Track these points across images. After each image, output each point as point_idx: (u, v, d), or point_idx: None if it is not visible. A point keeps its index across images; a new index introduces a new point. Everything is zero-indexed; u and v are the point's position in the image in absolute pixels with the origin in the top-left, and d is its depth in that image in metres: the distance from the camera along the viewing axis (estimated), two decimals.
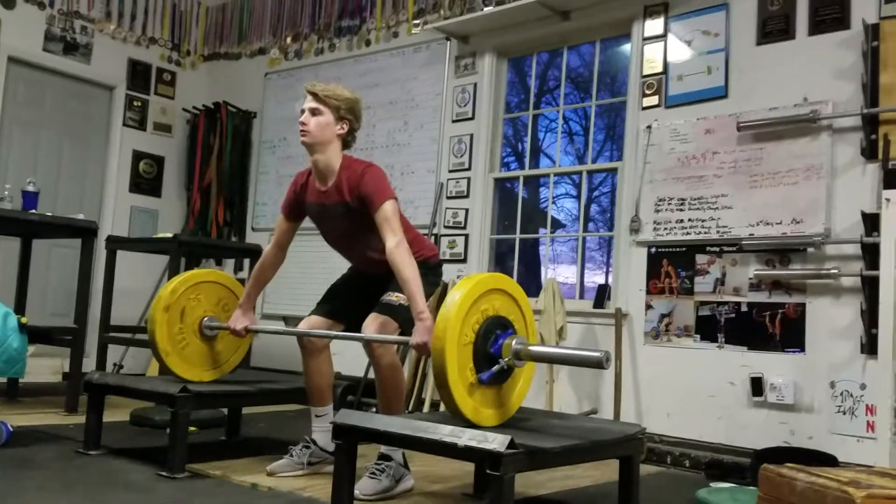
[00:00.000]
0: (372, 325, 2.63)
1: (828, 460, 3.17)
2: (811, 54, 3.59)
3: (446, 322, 2.10)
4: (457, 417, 2.18)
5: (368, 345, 2.63)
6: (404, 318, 2.62)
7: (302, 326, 2.83)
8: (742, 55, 3.81)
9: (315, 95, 2.74)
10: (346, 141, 2.80)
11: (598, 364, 2.14)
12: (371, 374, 4.65)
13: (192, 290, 3.05)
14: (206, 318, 3.07)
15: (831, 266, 3.40)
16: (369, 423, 2.25)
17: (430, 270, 2.81)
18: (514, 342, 2.24)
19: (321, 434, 2.85)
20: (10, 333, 3.03)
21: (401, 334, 2.68)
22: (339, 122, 2.75)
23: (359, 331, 2.65)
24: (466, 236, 4.77)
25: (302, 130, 2.73)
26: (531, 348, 2.27)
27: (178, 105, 6.32)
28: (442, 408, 4.21)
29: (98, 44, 5.83)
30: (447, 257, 4.78)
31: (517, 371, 2.34)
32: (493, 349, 2.22)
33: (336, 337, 2.76)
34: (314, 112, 2.73)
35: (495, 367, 2.21)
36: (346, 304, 2.87)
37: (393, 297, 2.68)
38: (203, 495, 2.48)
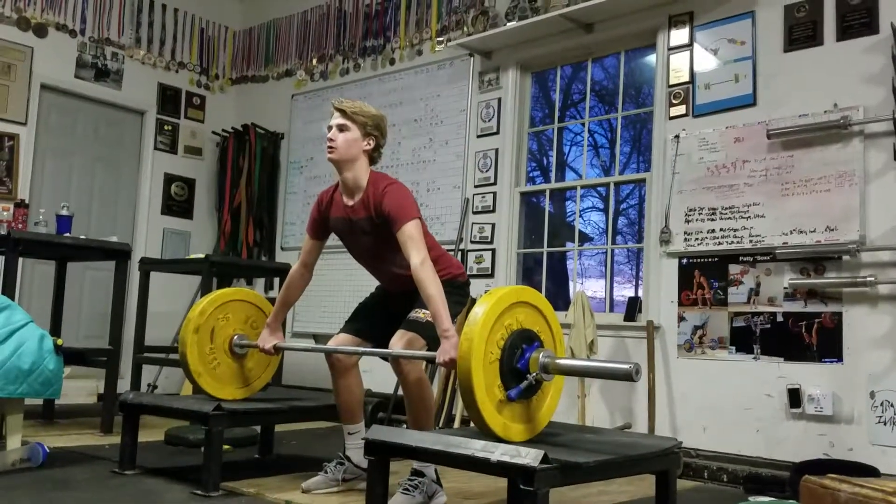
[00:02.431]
0: (399, 342, 2.63)
1: (869, 472, 3.09)
2: (840, 60, 3.55)
3: (471, 341, 2.08)
4: (486, 435, 2.16)
5: (395, 362, 2.62)
6: (431, 336, 2.61)
7: (331, 345, 2.83)
8: (769, 62, 3.77)
9: (342, 112, 2.77)
10: (373, 157, 2.82)
11: (627, 376, 2.11)
12: (401, 391, 4.65)
13: (220, 310, 3.07)
14: (235, 337, 3.10)
15: (867, 274, 3.34)
16: (401, 439, 2.24)
17: (457, 289, 2.80)
18: (541, 356, 2.21)
19: (355, 451, 2.84)
20: (46, 355, 3.08)
21: (428, 350, 2.67)
22: (365, 139, 2.77)
23: (386, 344, 2.66)
24: (493, 251, 4.76)
25: (329, 147, 2.76)
26: (559, 361, 2.24)
27: (207, 128, 6.42)
28: (472, 424, 4.19)
29: (128, 70, 5.95)
30: (474, 272, 4.78)
31: (546, 385, 2.30)
32: (519, 364, 2.20)
33: (363, 353, 2.76)
34: (341, 128, 2.76)
35: (523, 384, 2.18)
36: (374, 323, 2.87)
37: (420, 314, 2.67)
38: None
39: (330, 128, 2.79)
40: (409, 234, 2.60)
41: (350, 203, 2.79)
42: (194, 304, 3.13)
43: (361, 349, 2.77)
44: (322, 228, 2.93)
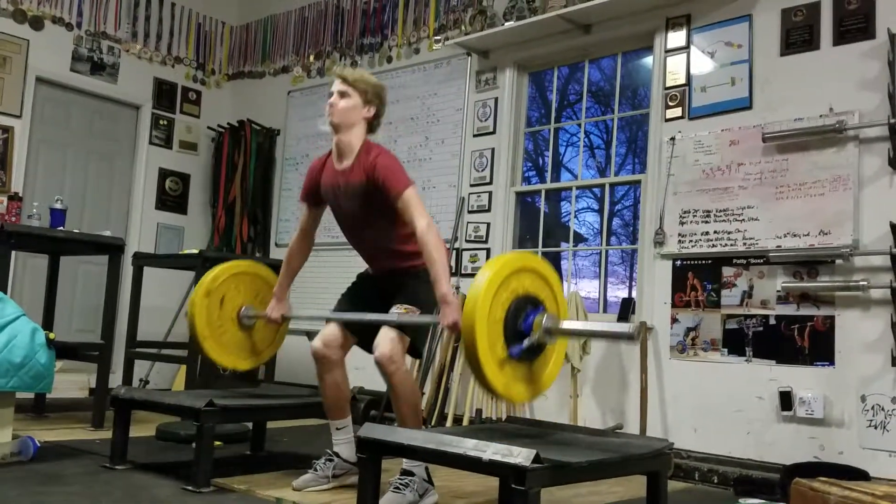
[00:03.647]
0: (385, 342, 2.63)
1: (859, 476, 3.10)
2: (836, 64, 3.56)
3: (476, 300, 2.11)
4: (489, 392, 2.21)
5: (381, 363, 2.63)
6: (415, 330, 2.68)
7: (318, 341, 2.83)
8: (766, 66, 3.78)
9: (344, 79, 2.83)
10: (372, 125, 2.87)
11: (628, 337, 2.19)
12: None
13: (232, 280, 3.13)
14: (243, 308, 3.14)
15: (860, 278, 3.35)
16: (393, 437, 2.24)
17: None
18: (544, 318, 2.25)
19: (343, 446, 2.85)
20: (37, 349, 3.06)
21: (410, 348, 2.72)
22: (366, 106, 2.83)
23: (371, 340, 2.68)
24: (488, 250, 4.76)
25: (330, 108, 2.81)
26: (562, 324, 2.29)
27: (203, 123, 6.41)
28: (465, 422, 4.19)
29: (124, 64, 5.93)
30: (469, 272, 4.78)
31: (549, 350, 2.35)
32: (523, 326, 2.23)
33: (362, 321, 2.78)
34: (342, 94, 2.82)
35: (525, 342, 2.21)
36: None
37: (401, 309, 2.69)
38: None
39: (331, 94, 2.85)
40: (410, 199, 2.63)
41: (340, 167, 2.82)
42: (209, 272, 3.15)
43: (359, 315, 2.79)
44: (315, 196, 2.97)
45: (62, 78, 5.59)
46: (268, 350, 3.29)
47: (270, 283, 3.22)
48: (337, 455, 2.85)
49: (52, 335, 3.16)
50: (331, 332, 2.85)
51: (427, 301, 2.67)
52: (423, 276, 2.61)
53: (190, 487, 2.70)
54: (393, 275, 2.82)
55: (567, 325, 2.34)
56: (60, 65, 5.57)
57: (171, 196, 6.20)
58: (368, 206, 2.77)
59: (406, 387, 2.69)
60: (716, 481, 3.52)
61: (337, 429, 2.89)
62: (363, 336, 2.83)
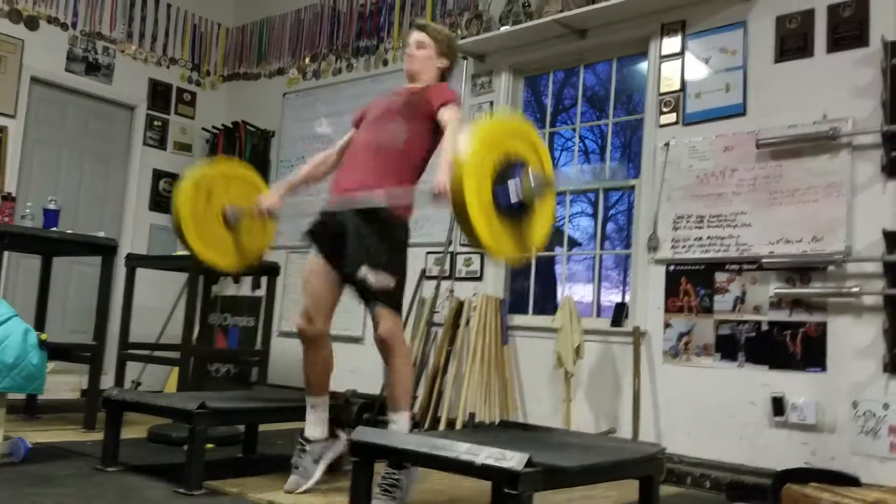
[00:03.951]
0: (387, 318, 2.69)
1: (850, 481, 3.10)
2: (830, 71, 3.58)
3: (464, 159, 2.22)
4: (476, 245, 2.33)
5: (384, 339, 2.68)
6: (391, 297, 2.72)
7: (301, 318, 2.82)
8: (760, 73, 3.80)
9: (423, 28, 2.98)
10: (444, 75, 2.99)
11: (618, 171, 2.27)
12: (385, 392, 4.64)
13: (223, 179, 3.12)
14: (229, 206, 3.11)
15: (852, 284, 3.37)
16: (386, 441, 2.24)
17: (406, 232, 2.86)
18: (531, 174, 2.34)
19: (317, 427, 2.85)
20: (29, 350, 3.05)
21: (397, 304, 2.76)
22: (440, 57, 2.98)
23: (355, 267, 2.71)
24: (482, 254, 4.76)
25: (409, 58, 2.96)
26: (550, 181, 2.42)
27: (197, 125, 6.40)
28: (458, 426, 4.19)
29: (119, 64, 5.92)
30: (463, 275, 4.78)
31: (539, 206, 2.43)
32: (511, 184, 2.33)
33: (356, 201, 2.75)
34: (420, 45, 2.96)
35: (512, 187, 2.30)
36: (334, 251, 2.82)
37: (370, 277, 2.68)
38: None
39: (408, 44, 2.98)
40: (454, 111, 2.74)
41: (400, 90, 2.98)
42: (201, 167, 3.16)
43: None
44: (360, 118, 3.06)
45: (57, 78, 5.57)
46: (252, 253, 3.21)
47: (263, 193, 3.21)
48: (307, 440, 2.83)
49: (44, 336, 3.14)
50: (313, 300, 2.82)
51: (391, 262, 2.71)
52: (385, 222, 2.67)
53: (182, 490, 2.69)
54: (356, 213, 2.75)
55: (556, 179, 2.55)
56: (55, 65, 5.56)
57: (165, 197, 6.18)
58: (402, 110, 2.86)
59: (407, 368, 2.76)
60: (708, 486, 3.53)
61: (312, 406, 2.87)
62: (340, 267, 2.79)
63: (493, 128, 2.38)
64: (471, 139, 2.28)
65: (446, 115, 2.73)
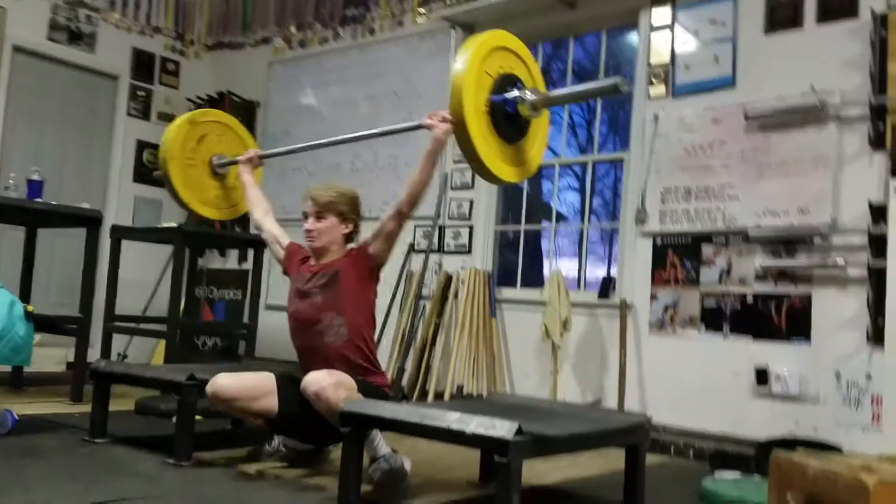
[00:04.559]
0: (330, 374, 2.49)
1: (833, 451, 3.17)
2: (819, 43, 3.57)
3: (460, 85, 2.27)
4: (485, 176, 2.44)
5: (317, 394, 2.44)
6: (360, 388, 2.53)
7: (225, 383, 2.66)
8: (750, 44, 3.79)
9: (315, 202, 2.76)
10: (351, 238, 2.84)
11: (614, 89, 2.33)
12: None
13: (219, 127, 3.17)
14: (215, 157, 3.16)
15: (838, 256, 3.40)
16: (377, 411, 2.25)
17: (377, 396, 2.65)
18: (526, 93, 2.40)
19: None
20: (15, 321, 3.03)
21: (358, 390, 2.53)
22: (343, 223, 2.79)
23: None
24: (471, 227, 4.76)
25: (309, 237, 2.76)
26: (546, 94, 2.48)
27: (181, 95, 6.31)
28: (446, 398, 4.22)
29: (102, 33, 5.82)
30: (451, 248, 4.78)
31: (534, 126, 2.51)
32: (508, 105, 2.40)
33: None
34: (319, 216, 2.76)
35: (510, 97, 2.39)
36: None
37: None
38: (210, 483, 2.48)
39: (306, 215, 2.78)
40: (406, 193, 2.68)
41: (312, 266, 2.83)
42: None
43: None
44: (282, 237, 2.99)
45: (39, 47, 5.48)
46: (234, 207, 3.25)
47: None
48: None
49: (30, 308, 3.12)
50: (242, 384, 2.66)
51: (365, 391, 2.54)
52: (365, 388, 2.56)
53: (171, 461, 2.69)
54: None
55: (550, 94, 2.54)
56: (38, 34, 5.46)
57: (149, 168, 6.11)
58: (331, 293, 2.69)
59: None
60: (692, 455, 3.58)
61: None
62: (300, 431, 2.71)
63: (481, 48, 2.38)
64: (466, 56, 2.30)
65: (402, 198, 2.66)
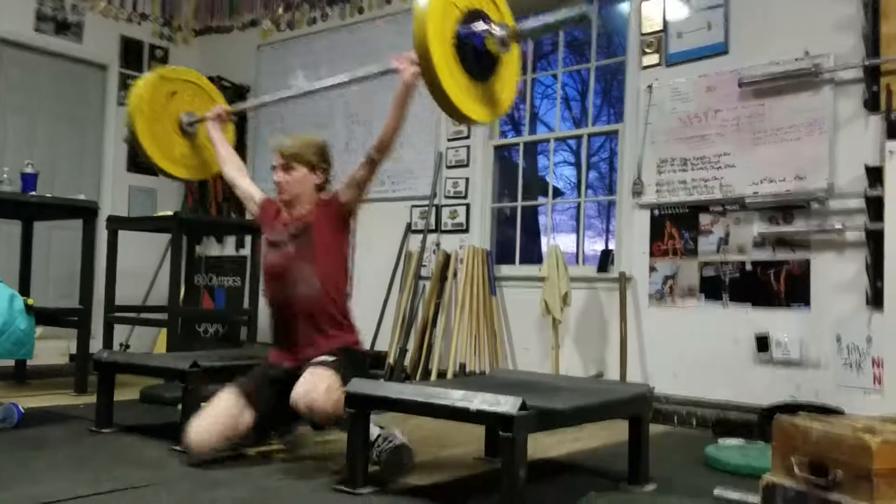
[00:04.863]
0: (316, 382, 2.41)
1: (835, 414, 3.19)
2: (811, 5, 3.55)
3: (424, 21, 2.16)
4: (455, 117, 2.36)
5: (312, 408, 2.39)
6: (344, 373, 2.46)
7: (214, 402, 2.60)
8: (742, 9, 3.76)
9: (282, 153, 2.72)
10: (323, 188, 2.80)
11: (581, 18, 2.28)
12: (377, 347, 4.67)
13: (191, 86, 3.12)
14: (184, 115, 3.13)
15: (835, 221, 3.40)
16: (381, 391, 2.25)
17: (356, 361, 2.66)
18: (494, 28, 2.33)
19: None
20: (16, 315, 3.03)
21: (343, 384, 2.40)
22: (313, 172, 2.75)
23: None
24: (468, 206, 4.75)
25: (279, 189, 2.73)
26: (514, 28, 2.39)
27: None
28: (449, 377, 4.23)
29: (89, 22, 5.76)
30: (448, 227, 4.77)
31: (504, 66, 2.42)
32: (475, 41, 2.32)
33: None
34: (286, 168, 2.72)
35: (478, 31, 2.31)
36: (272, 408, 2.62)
37: (323, 358, 2.54)
38: (217, 468, 2.49)
39: (273, 167, 2.74)
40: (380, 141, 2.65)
41: (284, 218, 2.80)
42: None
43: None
44: (255, 192, 2.97)
45: (27, 39, 5.42)
46: (201, 166, 3.24)
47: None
48: None
49: (30, 301, 3.12)
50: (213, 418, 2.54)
51: (347, 370, 2.48)
52: (342, 354, 2.53)
53: (178, 448, 2.70)
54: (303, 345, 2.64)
55: (518, 27, 2.42)
56: (24, 25, 5.40)
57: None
58: (308, 237, 2.67)
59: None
60: (695, 424, 3.61)
61: None
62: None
63: None
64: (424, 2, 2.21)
65: (373, 151, 2.64)
